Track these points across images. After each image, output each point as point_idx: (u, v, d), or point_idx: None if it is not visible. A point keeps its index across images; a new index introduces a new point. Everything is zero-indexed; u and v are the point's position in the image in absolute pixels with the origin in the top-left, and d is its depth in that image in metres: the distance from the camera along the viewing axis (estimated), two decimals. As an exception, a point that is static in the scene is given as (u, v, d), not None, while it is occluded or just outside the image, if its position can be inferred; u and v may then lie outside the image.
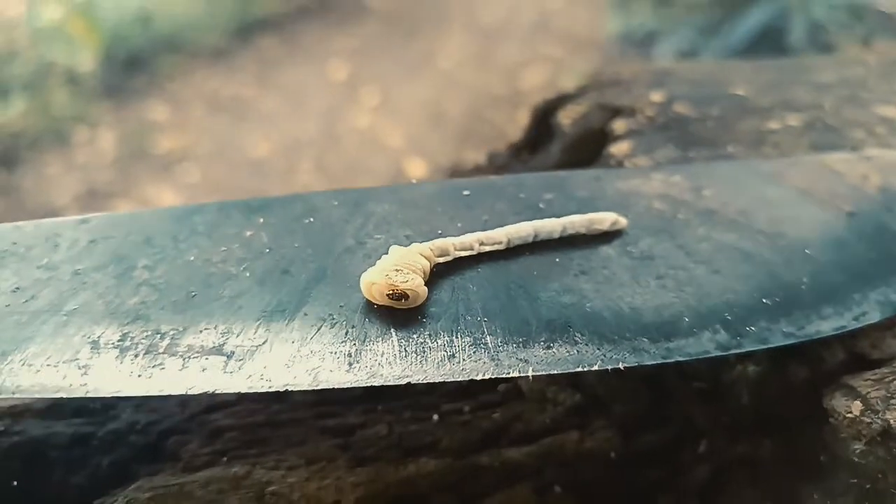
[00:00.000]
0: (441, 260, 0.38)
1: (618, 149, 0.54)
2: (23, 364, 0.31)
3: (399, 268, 0.35)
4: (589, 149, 0.58)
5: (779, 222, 0.44)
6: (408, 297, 0.34)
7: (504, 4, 3.43)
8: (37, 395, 0.30)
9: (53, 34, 2.36)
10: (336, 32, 3.14)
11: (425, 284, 0.35)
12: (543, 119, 0.63)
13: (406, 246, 0.37)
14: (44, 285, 0.35)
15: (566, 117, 0.59)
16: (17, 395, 0.30)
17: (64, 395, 0.30)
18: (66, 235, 0.39)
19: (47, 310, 0.34)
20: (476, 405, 0.44)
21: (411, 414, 0.43)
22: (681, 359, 0.34)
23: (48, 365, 0.31)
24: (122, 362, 0.31)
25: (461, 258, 0.38)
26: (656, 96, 0.59)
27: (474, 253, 0.39)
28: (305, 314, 0.34)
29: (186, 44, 2.77)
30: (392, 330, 0.34)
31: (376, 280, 0.34)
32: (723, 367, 0.44)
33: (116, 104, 2.53)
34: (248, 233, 0.39)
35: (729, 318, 0.37)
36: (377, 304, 0.35)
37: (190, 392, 0.31)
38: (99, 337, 0.33)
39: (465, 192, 0.45)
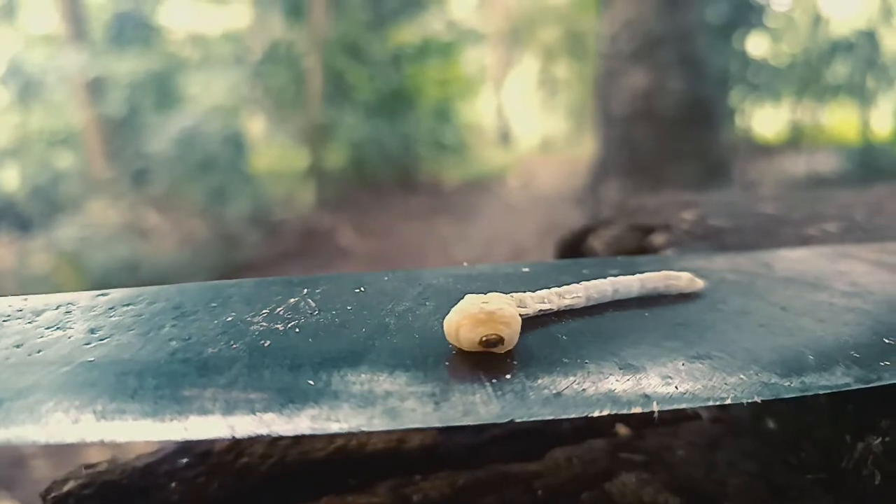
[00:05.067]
0: (521, 311, 0.33)
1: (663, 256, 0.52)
2: (23, 410, 0.24)
3: (487, 301, 0.30)
4: (626, 268, 0.55)
5: (862, 285, 0.41)
6: (503, 340, 0.29)
7: (479, 244, 3.60)
8: (41, 443, 0.23)
9: (39, 282, 2.37)
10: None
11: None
12: (572, 248, 0.61)
13: None
14: (54, 342, 0.29)
15: (599, 241, 0.57)
16: (15, 444, 0.23)
17: (74, 443, 0.23)
18: (80, 304, 0.33)
19: (56, 361, 0.27)
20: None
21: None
22: (820, 392, 0.29)
23: (56, 411, 0.24)
24: (150, 406, 0.25)
25: (542, 314, 0.34)
26: (687, 214, 0.58)
27: (554, 308, 0.34)
28: (372, 360, 0.29)
29: (170, 289, 2.80)
30: (480, 372, 0.28)
31: (470, 311, 0.29)
32: (839, 452, 0.38)
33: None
34: (293, 300, 0.34)
35: (856, 355, 0.32)
36: (457, 349, 0.29)
37: (237, 435, 0.24)
38: (120, 383, 0.26)
39: (525, 269, 0.41)
